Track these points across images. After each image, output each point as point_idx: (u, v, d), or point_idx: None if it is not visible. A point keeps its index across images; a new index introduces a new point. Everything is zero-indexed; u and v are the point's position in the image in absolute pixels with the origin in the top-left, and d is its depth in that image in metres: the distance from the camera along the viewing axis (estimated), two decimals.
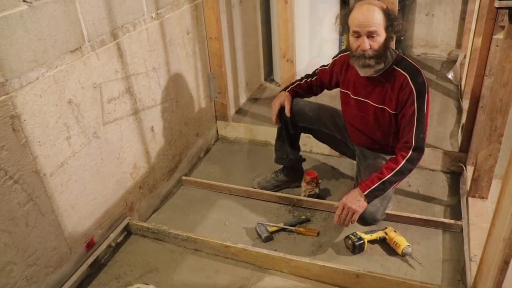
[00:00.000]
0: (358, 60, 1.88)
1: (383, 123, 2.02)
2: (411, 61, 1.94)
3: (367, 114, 2.06)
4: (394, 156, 1.96)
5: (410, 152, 1.91)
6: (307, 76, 2.32)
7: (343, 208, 1.92)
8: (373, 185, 1.90)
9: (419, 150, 1.92)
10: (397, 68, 1.92)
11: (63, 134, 1.74)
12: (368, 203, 1.91)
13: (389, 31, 1.84)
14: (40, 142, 1.63)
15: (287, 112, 2.21)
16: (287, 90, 2.30)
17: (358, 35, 1.85)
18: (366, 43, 1.83)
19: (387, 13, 1.82)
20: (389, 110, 1.96)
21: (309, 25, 3.47)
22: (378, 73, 1.94)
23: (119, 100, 2.03)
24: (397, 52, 1.96)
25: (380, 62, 1.88)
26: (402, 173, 1.92)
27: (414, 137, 1.90)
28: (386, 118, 2.00)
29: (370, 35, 1.82)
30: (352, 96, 2.09)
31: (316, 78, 2.28)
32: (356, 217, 1.91)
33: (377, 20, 1.80)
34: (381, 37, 1.83)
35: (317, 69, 2.30)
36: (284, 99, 2.24)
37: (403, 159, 1.91)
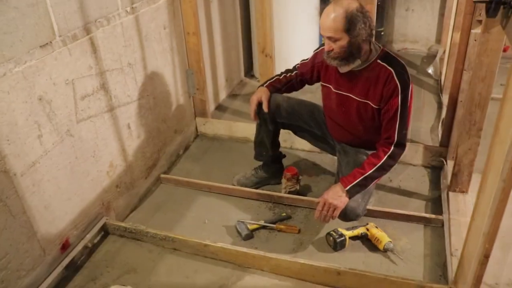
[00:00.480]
0: (326, 58, 1.91)
1: (365, 117, 2.00)
2: (395, 56, 1.93)
3: (349, 108, 2.04)
4: (375, 151, 1.95)
5: (392, 147, 1.90)
6: (287, 71, 2.28)
7: (324, 204, 1.90)
8: (355, 180, 1.89)
9: (400, 146, 1.92)
10: (381, 63, 1.90)
11: (34, 132, 1.68)
12: (350, 198, 1.91)
13: (353, 34, 1.79)
14: (9, 140, 1.57)
15: (264, 108, 2.18)
16: (265, 85, 2.26)
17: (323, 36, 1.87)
18: (326, 45, 1.87)
19: (351, 15, 1.77)
20: (372, 105, 1.94)
21: (289, 20, 3.44)
22: (359, 67, 1.92)
23: (93, 97, 1.97)
24: (382, 47, 1.94)
25: (347, 63, 1.88)
26: (384, 169, 1.92)
27: (397, 132, 1.89)
28: (368, 113, 1.98)
29: (330, 39, 1.83)
30: (334, 90, 2.06)
31: (296, 72, 2.24)
32: (337, 213, 1.90)
33: (334, 26, 1.78)
34: (342, 40, 1.81)
35: (297, 64, 2.26)
36: (261, 94, 2.20)
37: (385, 155, 1.90)
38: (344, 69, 1.94)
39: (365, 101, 1.96)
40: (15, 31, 1.53)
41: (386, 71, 1.88)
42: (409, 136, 2.79)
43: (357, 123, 2.05)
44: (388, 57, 1.91)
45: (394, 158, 1.92)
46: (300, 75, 2.23)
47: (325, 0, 3.87)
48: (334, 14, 1.77)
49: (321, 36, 3.71)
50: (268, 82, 2.27)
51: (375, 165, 1.90)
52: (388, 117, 1.91)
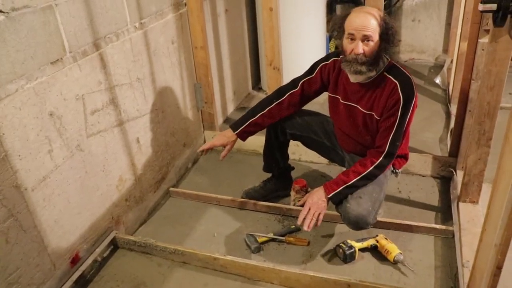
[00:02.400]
0: (350, 65, 1.86)
1: (372, 128, 2.00)
2: (403, 69, 1.93)
3: (356, 119, 2.04)
4: (364, 158, 1.96)
5: (381, 158, 1.91)
6: (280, 92, 2.17)
7: (309, 209, 1.91)
8: (338, 188, 1.92)
9: (390, 156, 1.92)
10: (388, 76, 1.90)
11: (45, 148, 1.70)
12: (334, 203, 1.96)
13: (384, 39, 1.82)
14: (20, 156, 1.59)
15: (220, 157, 2.20)
16: (238, 130, 2.17)
17: (353, 37, 1.83)
18: (359, 47, 1.81)
19: (384, 21, 1.81)
20: (376, 116, 1.95)
21: (297, 33, 3.46)
22: (369, 79, 1.93)
23: (103, 112, 1.99)
24: (389, 59, 1.95)
25: (372, 69, 1.87)
26: (368, 179, 1.93)
27: (389, 142, 1.90)
28: (373, 124, 1.98)
29: (365, 39, 1.81)
30: (342, 101, 2.06)
31: (292, 92, 2.14)
32: (321, 217, 1.91)
33: (373, 26, 1.79)
34: (375, 43, 1.81)
35: (299, 80, 2.15)
36: (227, 142, 2.19)
37: (371, 165, 1.91)
38: (357, 79, 1.93)
39: (370, 112, 1.97)
40: (27, 48, 1.56)
41: (392, 83, 1.88)
42: (416, 147, 2.79)
43: (365, 133, 2.05)
44: (395, 70, 1.92)
45: (380, 169, 1.93)
46: (302, 93, 2.14)
47: (332, 10, 3.90)
48: (372, 15, 1.79)
49: (328, 47, 3.70)
50: (243, 125, 2.17)
51: (360, 174, 1.91)
52: (384, 126, 1.91)
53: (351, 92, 2.01)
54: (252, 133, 2.21)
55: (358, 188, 1.93)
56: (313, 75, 2.13)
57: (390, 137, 1.89)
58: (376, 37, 1.81)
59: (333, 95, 2.11)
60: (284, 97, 2.15)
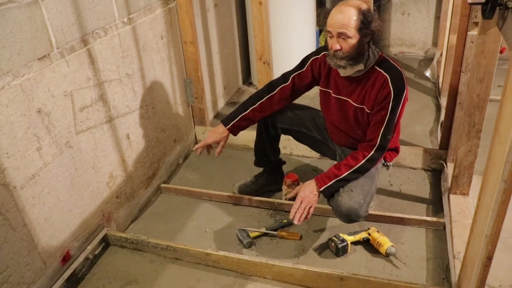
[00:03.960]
0: (331, 60, 1.88)
1: (362, 122, 2.01)
2: (393, 62, 1.93)
3: (348, 113, 2.04)
4: (355, 151, 1.96)
5: (372, 152, 1.92)
6: (271, 86, 2.16)
7: (301, 202, 1.91)
8: (330, 182, 1.91)
9: (381, 150, 1.93)
10: (378, 69, 1.90)
11: (33, 145, 1.67)
12: (325, 196, 1.95)
13: (364, 33, 1.80)
14: (8, 154, 1.57)
15: (216, 154, 2.19)
16: (229, 125, 2.17)
17: (330, 35, 1.84)
18: (335, 44, 1.82)
19: (363, 15, 1.78)
20: (367, 110, 1.95)
21: (286, 27, 3.45)
22: (360, 73, 1.93)
23: (92, 108, 1.97)
24: (380, 53, 1.94)
25: (354, 63, 1.86)
26: (359, 172, 1.93)
27: (380, 136, 1.90)
28: (364, 118, 1.98)
29: (341, 36, 1.80)
30: (333, 95, 2.06)
31: (283, 86, 2.14)
32: (312, 210, 1.91)
33: (349, 22, 1.77)
34: (353, 39, 1.80)
35: (289, 74, 2.15)
36: (220, 138, 2.17)
37: (363, 158, 1.92)
38: (346, 72, 1.93)
39: (361, 106, 1.97)
40: (13, 45, 1.54)
41: (382, 77, 1.88)
42: (407, 140, 2.80)
43: (356, 127, 2.05)
44: (386, 63, 1.92)
45: (371, 163, 1.93)
46: (293, 87, 2.14)
47: (322, 4, 3.89)
48: (348, 10, 1.77)
49: (318, 41, 3.69)
50: (234, 120, 2.16)
51: (352, 167, 1.91)
52: (375, 120, 1.92)
53: (342, 86, 2.01)
54: (243, 127, 2.20)
55: (350, 181, 1.93)
56: (304, 69, 2.12)
57: (381, 131, 1.90)
58: (352, 32, 1.79)
59: (325, 89, 2.11)
60: (275, 91, 2.15)
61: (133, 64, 2.23)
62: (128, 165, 2.28)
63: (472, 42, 2.07)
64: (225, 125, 2.18)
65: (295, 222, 1.89)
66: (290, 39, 3.50)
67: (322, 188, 1.92)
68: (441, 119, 2.92)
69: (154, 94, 2.45)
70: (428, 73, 3.84)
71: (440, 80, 3.47)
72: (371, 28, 1.80)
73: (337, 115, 2.10)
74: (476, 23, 1.99)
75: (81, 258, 1.98)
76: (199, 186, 2.57)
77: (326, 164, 2.65)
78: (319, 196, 1.94)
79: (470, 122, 1.97)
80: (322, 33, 4.29)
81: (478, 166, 2.06)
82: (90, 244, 2.05)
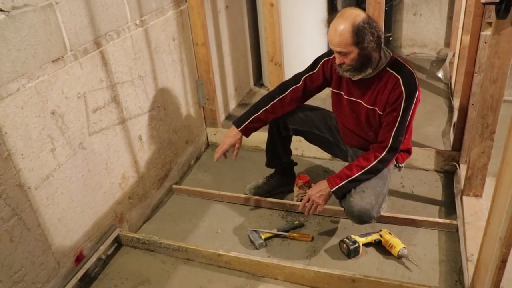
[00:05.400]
0: (338, 69, 1.92)
1: (374, 124, 2.00)
2: (405, 63, 1.92)
3: (359, 114, 2.04)
4: (367, 152, 1.97)
5: (384, 153, 1.91)
6: (282, 88, 2.17)
7: (309, 199, 1.97)
8: (341, 182, 1.92)
9: (393, 151, 1.92)
10: (390, 70, 1.90)
11: (47, 146, 1.70)
12: (336, 197, 1.97)
13: (363, 46, 1.79)
14: (23, 155, 1.59)
15: (233, 156, 2.21)
16: (241, 127, 2.17)
17: (331, 50, 1.88)
18: (337, 59, 1.87)
19: (358, 29, 1.76)
20: (379, 111, 1.94)
21: (298, 28, 3.45)
22: (369, 75, 1.92)
23: (105, 110, 1.99)
24: (391, 54, 1.94)
25: (360, 72, 1.88)
26: (371, 173, 1.93)
27: (392, 137, 1.90)
28: (376, 119, 1.98)
29: (340, 53, 1.83)
30: (345, 97, 2.06)
31: (295, 88, 2.14)
32: (320, 209, 1.97)
33: (344, 40, 1.78)
34: (352, 53, 1.81)
35: (301, 76, 2.15)
36: (235, 141, 2.18)
37: (375, 159, 1.92)
38: (356, 77, 1.94)
39: (373, 107, 1.96)
40: (28, 47, 1.56)
41: (394, 78, 1.88)
42: (419, 141, 2.79)
43: (367, 129, 2.04)
44: (397, 65, 1.91)
45: (383, 163, 1.93)
46: (304, 89, 2.14)
47: (333, 11, 3.88)
48: (342, 28, 1.77)
49: (328, 44, 3.70)
50: (247, 121, 2.17)
51: (363, 168, 1.91)
52: (387, 121, 1.91)
53: (354, 88, 2.01)
54: (255, 129, 2.21)
55: (361, 182, 1.92)
56: (315, 71, 2.12)
57: (393, 132, 1.89)
58: (350, 49, 1.79)
59: (336, 90, 2.10)
60: (287, 93, 2.15)
61: (145, 65, 2.25)
62: (140, 166, 2.30)
63: (485, 43, 2.05)
64: (237, 127, 2.18)
65: (301, 210, 2.02)
66: (301, 40, 3.49)
67: (334, 189, 1.92)
68: (453, 120, 2.90)
69: (166, 95, 2.47)
70: (440, 74, 3.81)
71: (453, 81, 3.44)
72: (369, 39, 1.78)
73: (349, 117, 2.09)
74: (490, 23, 1.97)
75: (94, 258, 2.00)
76: (210, 187, 2.58)
77: (337, 166, 2.65)
78: (329, 197, 1.95)
79: (484, 123, 1.96)
80: None
81: (492, 167, 2.04)
82: (103, 245, 2.06)
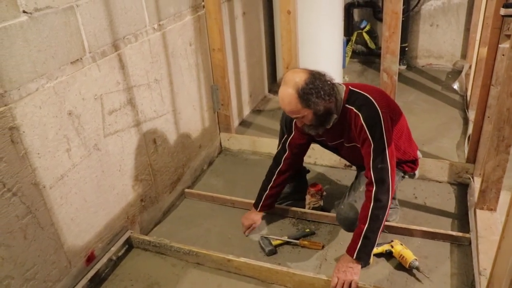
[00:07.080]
0: (304, 130, 1.96)
1: (362, 156, 1.94)
2: (361, 92, 1.88)
3: (348, 151, 2.09)
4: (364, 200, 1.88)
5: (374, 188, 1.81)
6: (276, 160, 2.23)
7: (338, 281, 1.79)
8: (358, 244, 1.81)
9: (381, 182, 1.81)
10: (349, 107, 1.88)
11: (63, 146, 1.72)
12: (364, 264, 1.83)
13: (314, 105, 1.77)
14: (39, 154, 1.61)
15: (247, 232, 2.26)
16: (259, 207, 2.25)
17: None
18: (297, 122, 1.92)
19: (303, 92, 1.74)
20: (358, 146, 1.93)
21: (313, 36, 3.46)
22: (337, 119, 1.91)
23: (121, 112, 2.01)
24: (345, 87, 1.91)
25: (324, 125, 1.89)
26: (378, 216, 1.80)
27: (372, 169, 1.83)
28: (361, 152, 1.93)
29: (296, 118, 1.86)
30: (329, 143, 2.14)
31: (287, 154, 2.19)
32: (355, 284, 1.77)
33: (293, 108, 1.78)
34: (308, 114, 1.81)
35: (285, 143, 2.19)
36: (256, 221, 2.26)
37: (370, 202, 1.81)
38: (323, 129, 1.94)
39: (353, 144, 1.99)
40: (48, 48, 1.59)
41: (352, 113, 1.87)
42: (432, 152, 2.76)
43: (360, 160, 1.96)
44: (353, 96, 1.88)
45: (380, 200, 1.80)
46: (293, 154, 2.19)
47: (349, 15, 3.87)
48: (288, 97, 1.76)
49: (345, 51, 3.70)
50: (261, 202, 2.24)
51: (366, 217, 1.80)
52: (363, 153, 1.88)
53: (331, 133, 2.01)
54: (272, 204, 2.29)
55: (378, 230, 1.81)
56: (293, 133, 2.15)
57: (371, 164, 1.83)
58: (302, 112, 1.79)
59: (320, 139, 2.16)
60: (281, 165, 2.22)
61: (162, 69, 2.27)
62: (153, 169, 2.31)
63: (503, 55, 2.04)
64: (256, 208, 2.27)
65: None
66: (317, 48, 3.50)
67: (355, 255, 1.80)
68: (468, 133, 2.87)
69: (181, 99, 2.48)
70: (456, 86, 3.79)
71: (468, 93, 3.41)
72: (316, 99, 1.76)
73: (341, 154, 2.20)
74: (508, 36, 1.96)
75: (104, 259, 2.01)
76: (222, 192, 2.58)
77: (350, 175, 2.63)
78: (359, 264, 1.81)
79: (499, 136, 1.94)
80: (349, 43, 4.29)
81: (507, 181, 2.02)
82: (114, 246, 2.08)
